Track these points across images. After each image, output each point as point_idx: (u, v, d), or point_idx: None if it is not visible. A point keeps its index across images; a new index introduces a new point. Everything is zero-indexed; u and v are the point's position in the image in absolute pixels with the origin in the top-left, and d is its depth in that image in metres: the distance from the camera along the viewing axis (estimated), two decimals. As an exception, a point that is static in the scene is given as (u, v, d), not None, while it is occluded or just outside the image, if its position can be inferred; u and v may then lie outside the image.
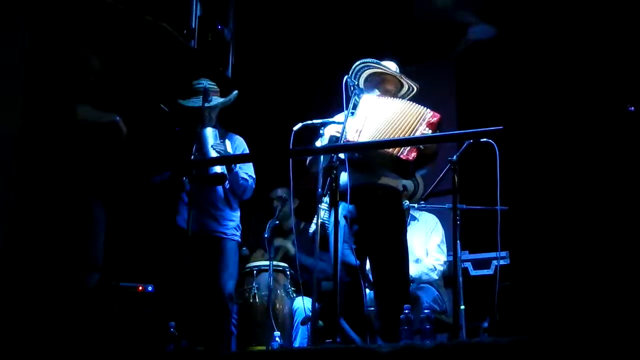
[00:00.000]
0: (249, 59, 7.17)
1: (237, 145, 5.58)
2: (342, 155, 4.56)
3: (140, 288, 5.28)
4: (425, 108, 4.67)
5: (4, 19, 4.28)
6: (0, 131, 4.28)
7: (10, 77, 4.34)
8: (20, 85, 4.36)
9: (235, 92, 5.60)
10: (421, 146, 4.57)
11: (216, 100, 5.51)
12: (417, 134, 4.56)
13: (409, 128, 4.59)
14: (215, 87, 5.59)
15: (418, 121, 4.60)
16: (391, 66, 4.94)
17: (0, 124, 4.27)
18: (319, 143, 4.78)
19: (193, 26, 5.61)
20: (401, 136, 4.60)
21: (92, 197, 5.06)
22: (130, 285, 5.27)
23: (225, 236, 5.44)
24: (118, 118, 5.17)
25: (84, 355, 4.27)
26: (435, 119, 4.60)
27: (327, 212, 4.64)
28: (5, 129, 4.28)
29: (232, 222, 5.51)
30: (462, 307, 4.74)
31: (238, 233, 5.53)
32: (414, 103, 4.75)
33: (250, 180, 5.52)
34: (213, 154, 5.26)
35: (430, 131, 4.55)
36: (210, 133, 5.35)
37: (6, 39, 4.35)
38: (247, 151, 5.66)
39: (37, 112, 4.66)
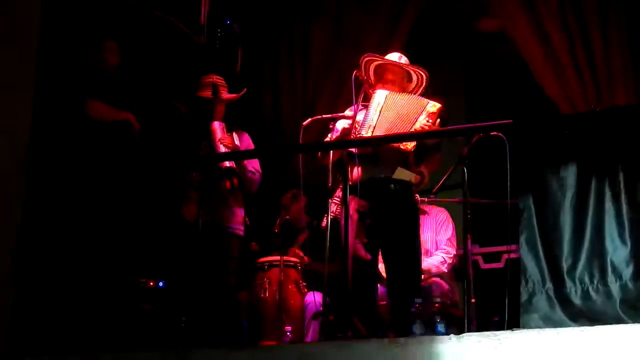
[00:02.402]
0: (258, 53, 7.18)
1: (243, 140, 5.59)
2: (353, 149, 4.58)
3: (152, 283, 5.28)
4: (427, 100, 4.78)
5: (15, 16, 4.30)
6: (11, 127, 4.30)
7: (22, 74, 4.36)
8: (31, 81, 4.37)
9: (244, 90, 5.62)
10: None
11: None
12: (418, 124, 4.66)
13: (412, 120, 4.68)
14: (224, 83, 5.60)
15: (419, 112, 4.70)
16: (394, 57, 4.96)
17: (11, 120, 4.29)
18: (329, 138, 4.80)
19: (202, 22, 5.64)
20: (404, 128, 4.64)
21: (105, 192, 5.09)
22: (142, 280, 5.27)
23: (230, 230, 5.46)
24: (131, 115, 5.19)
25: (94, 350, 4.29)
26: (434, 108, 4.72)
27: (339, 206, 4.65)
28: (16, 125, 4.30)
29: (237, 217, 5.54)
30: (473, 300, 4.73)
31: (242, 228, 5.56)
32: (419, 96, 4.85)
33: (257, 174, 5.54)
34: (221, 147, 5.29)
35: (430, 121, 4.65)
36: (217, 127, 5.37)
37: (16, 36, 4.37)
38: (252, 147, 5.68)
39: (50, 109, 4.68)
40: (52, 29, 4.68)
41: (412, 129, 4.65)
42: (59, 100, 4.88)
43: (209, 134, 5.35)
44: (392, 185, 4.73)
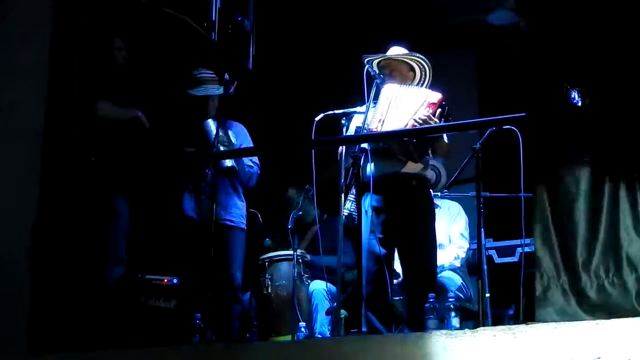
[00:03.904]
0: (270, 50, 7.17)
1: (238, 133, 5.58)
2: (365, 145, 4.57)
3: (166, 280, 5.29)
4: (429, 90, 4.75)
5: (27, 15, 4.31)
6: (25, 128, 4.32)
7: (35, 74, 4.37)
8: (44, 81, 4.39)
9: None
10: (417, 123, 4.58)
11: (219, 89, 5.51)
12: (417, 115, 4.58)
13: (412, 112, 4.62)
14: (215, 76, 5.59)
15: (420, 104, 4.63)
16: (392, 51, 4.94)
17: (25, 121, 4.31)
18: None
19: (213, 18, 5.61)
20: (406, 119, 4.60)
21: (115, 191, 5.10)
22: (155, 278, 5.28)
23: (232, 224, 5.45)
24: (140, 113, 5.20)
25: (108, 348, 4.30)
26: (435, 99, 4.64)
27: (352, 202, 4.65)
28: (30, 126, 4.32)
29: (239, 210, 5.53)
30: (487, 294, 4.72)
31: (244, 221, 5.55)
32: (422, 88, 4.82)
33: (255, 167, 5.55)
34: (222, 147, 5.27)
35: (430, 110, 4.56)
36: (212, 125, 5.35)
37: (29, 35, 4.38)
38: (249, 138, 5.67)
39: (62, 108, 4.69)
40: (62, 28, 4.68)
41: (412, 120, 4.60)
42: (70, 101, 4.89)
43: (204, 132, 5.35)
44: (407, 180, 4.72)
